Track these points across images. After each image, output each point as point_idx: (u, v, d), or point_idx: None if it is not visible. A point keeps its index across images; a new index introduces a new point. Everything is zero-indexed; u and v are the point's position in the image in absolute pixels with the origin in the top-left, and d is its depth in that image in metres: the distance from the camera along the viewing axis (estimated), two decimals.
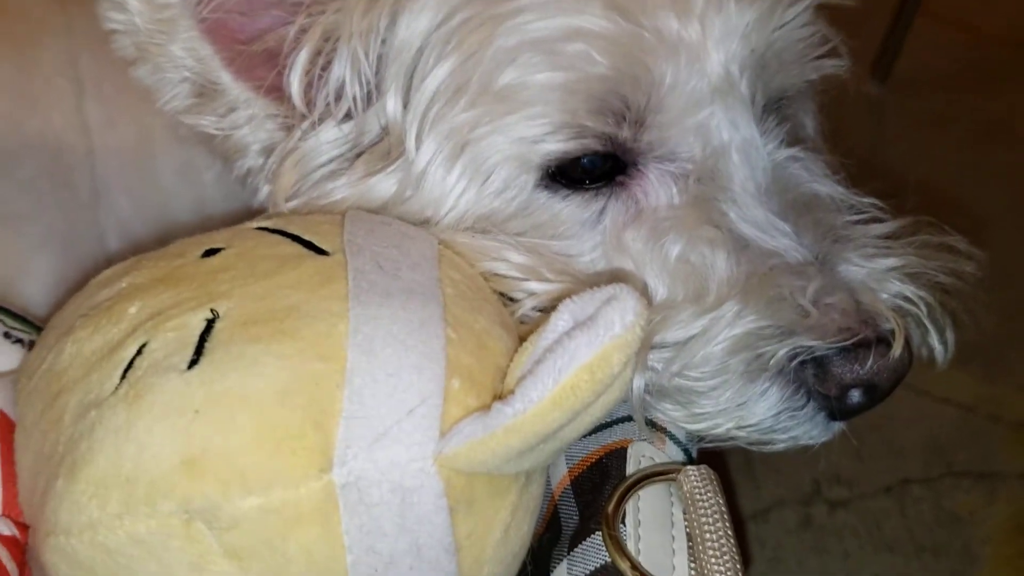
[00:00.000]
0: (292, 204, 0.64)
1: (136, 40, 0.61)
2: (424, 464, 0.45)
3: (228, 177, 0.72)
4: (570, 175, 0.60)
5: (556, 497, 0.56)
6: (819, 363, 0.56)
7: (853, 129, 1.59)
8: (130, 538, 0.43)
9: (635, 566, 0.48)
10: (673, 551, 0.50)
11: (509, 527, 0.49)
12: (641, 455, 0.55)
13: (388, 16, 0.59)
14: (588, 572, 0.50)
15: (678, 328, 0.57)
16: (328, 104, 0.62)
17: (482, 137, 0.58)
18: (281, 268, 0.50)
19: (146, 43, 0.61)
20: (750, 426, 0.58)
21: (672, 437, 0.58)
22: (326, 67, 0.61)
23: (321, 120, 0.62)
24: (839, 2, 0.64)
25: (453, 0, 0.58)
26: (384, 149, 0.62)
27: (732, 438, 0.59)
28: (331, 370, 0.45)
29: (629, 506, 0.51)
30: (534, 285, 0.59)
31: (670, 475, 0.53)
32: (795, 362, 0.56)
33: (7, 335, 0.59)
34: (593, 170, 0.60)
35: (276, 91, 0.63)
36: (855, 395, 0.56)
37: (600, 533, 0.50)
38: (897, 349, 0.55)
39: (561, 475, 0.56)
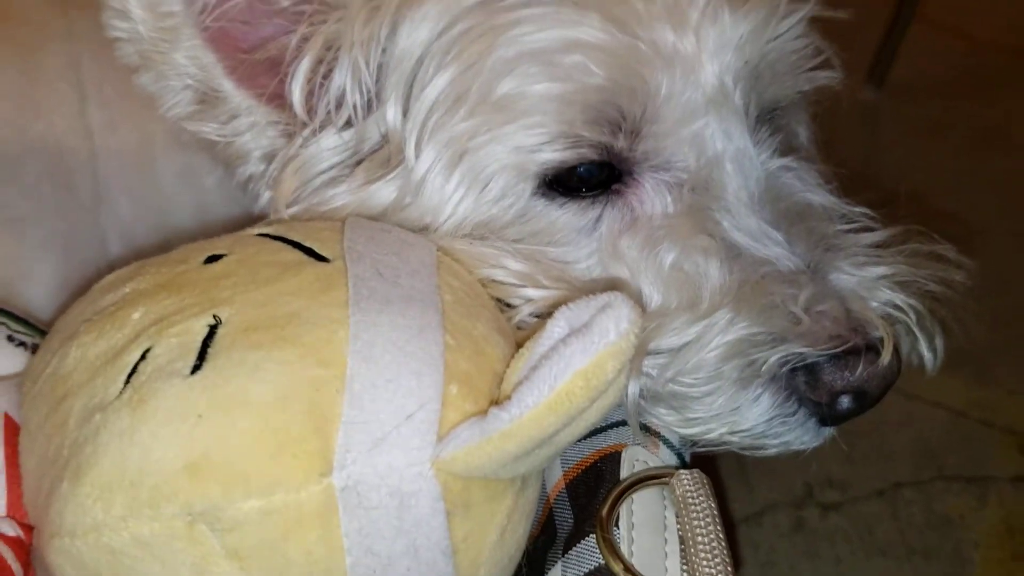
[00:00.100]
0: (293, 210, 0.64)
1: (139, 48, 0.62)
2: (422, 468, 0.45)
3: (229, 182, 0.72)
4: (567, 183, 0.60)
5: (552, 500, 0.57)
6: (810, 370, 0.56)
7: (848, 136, 1.60)
8: (134, 540, 0.44)
9: (628, 568, 0.49)
10: (666, 554, 0.51)
11: (505, 530, 0.50)
12: (635, 459, 0.55)
13: (389, 26, 0.60)
14: (582, 574, 0.50)
15: (672, 335, 0.58)
16: (329, 112, 0.62)
17: (481, 146, 0.59)
18: (282, 275, 0.50)
19: (149, 51, 0.61)
20: (742, 431, 0.59)
21: (666, 441, 0.59)
22: (327, 75, 0.61)
23: (322, 127, 0.63)
24: (832, 15, 0.65)
25: (453, 11, 0.59)
26: (384, 157, 0.62)
27: (725, 443, 0.60)
28: (331, 376, 0.46)
29: (623, 509, 0.52)
30: (531, 292, 0.60)
31: (663, 479, 0.53)
32: (786, 368, 0.57)
33: (10, 338, 0.60)
34: (589, 179, 0.60)
35: (278, 99, 0.63)
36: (845, 401, 0.57)
37: (594, 536, 0.51)
38: (886, 357, 0.56)
39: (557, 479, 0.57)
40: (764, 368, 0.57)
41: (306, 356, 0.46)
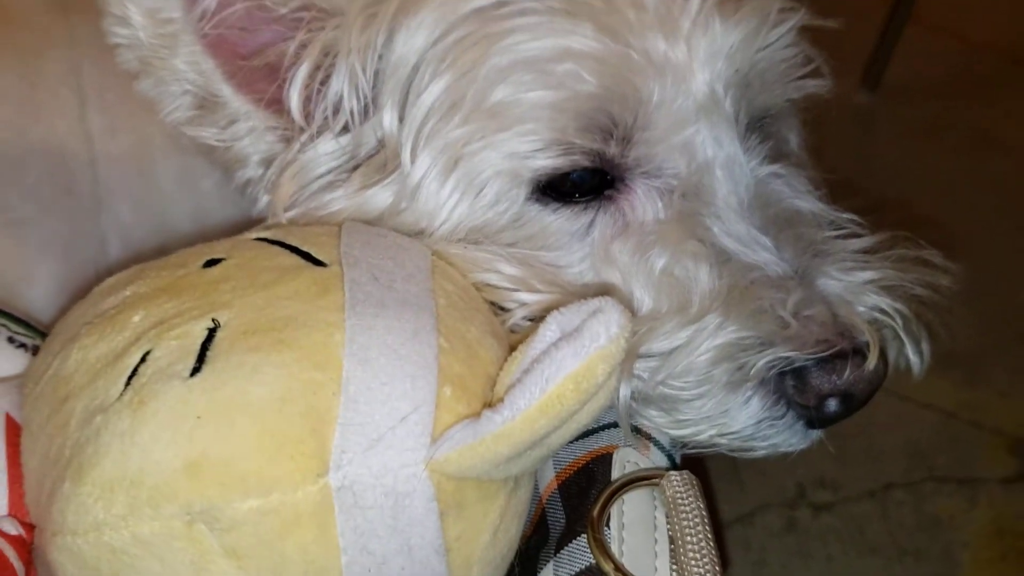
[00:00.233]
0: (290, 214, 0.65)
1: (139, 54, 0.62)
2: (416, 469, 0.46)
3: (227, 186, 0.73)
4: (560, 189, 0.61)
5: (544, 500, 0.57)
6: (798, 374, 0.57)
7: (844, 138, 1.60)
8: (134, 539, 0.45)
9: (619, 568, 0.49)
10: (655, 554, 0.51)
11: (498, 530, 0.51)
12: (626, 460, 0.56)
13: (386, 33, 0.60)
14: (573, 573, 0.51)
15: (663, 339, 0.58)
16: (326, 117, 0.63)
17: (475, 152, 0.60)
18: (280, 279, 0.51)
19: (149, 57, 0.62)
20: (732, 433, 0.60)
21: (656, 443, 0.59)
22: (325, 81, 0.62)
23: (319, 133, 0.64)
24: (822, 23, 0.66)
25: (449, 19, 0.60)
26: (380, 162, 0.63)
27: (714, 445, 0.60)
28: (328, 379, 0.46)
29: (614, 510, 0.53)
30: (524, 296, 0.60)
31: (654, 480, 0.54)
32: (774, 372, 0.57)
33: (11, 340, 0.60)
34: (582, 185, 0.61)
35: (276, 104, 0.64)
36: (832, 404, 0.58)
37: (586, 536, 0.51)
38: (872, 360, 0.57)
39: (549, 479, 0.57)
40: (753, 372, 0.57)
41: (303, 359, 0.47)
